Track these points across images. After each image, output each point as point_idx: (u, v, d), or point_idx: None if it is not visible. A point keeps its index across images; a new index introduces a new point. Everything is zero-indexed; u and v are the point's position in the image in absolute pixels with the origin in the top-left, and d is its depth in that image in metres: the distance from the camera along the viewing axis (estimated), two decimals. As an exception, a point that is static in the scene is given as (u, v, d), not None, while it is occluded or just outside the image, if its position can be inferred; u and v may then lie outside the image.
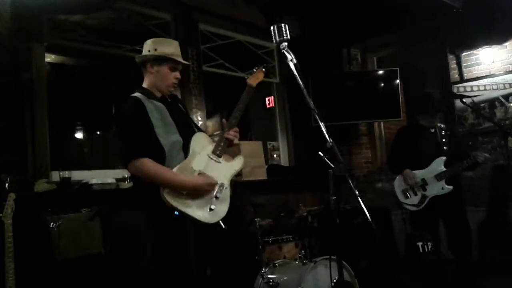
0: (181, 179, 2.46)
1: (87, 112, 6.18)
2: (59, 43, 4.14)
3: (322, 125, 2.09)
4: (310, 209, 4.15)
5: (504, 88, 5.49)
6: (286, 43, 2.21)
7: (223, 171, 2.62)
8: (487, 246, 4.92)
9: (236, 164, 2.72)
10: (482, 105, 5.61)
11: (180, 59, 2.71)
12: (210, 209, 2.47)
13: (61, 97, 4.65)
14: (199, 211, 2.45)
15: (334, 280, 2.82)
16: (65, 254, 3.32)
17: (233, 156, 2.74)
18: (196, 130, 2.75)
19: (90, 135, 6.83)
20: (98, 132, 6.94)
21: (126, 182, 3.99)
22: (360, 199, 1.99)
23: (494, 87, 5.57)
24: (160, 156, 2.50)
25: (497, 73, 5.58)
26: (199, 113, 4.90)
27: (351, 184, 2.06)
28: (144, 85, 2.72)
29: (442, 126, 4.09)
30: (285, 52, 2.22)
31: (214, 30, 5.37)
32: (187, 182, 2.47)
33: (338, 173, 2.08)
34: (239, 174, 3.13)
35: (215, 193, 2.52)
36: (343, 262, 3.10)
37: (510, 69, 5.48)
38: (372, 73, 6.43)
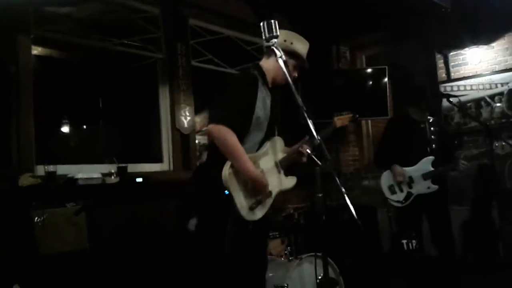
0: (249, 166, 2.48)
1: (73, 106, 6.12)
2: (46, 36, 4.08)
3: (310, 122, 2.10)
4: (296, 206, 4.17)
5: (490, 88, 5.55)
6: (275, 40, 2.21)
7: (278, 182, 2.73)
8: (470, 244, 4.98)
9: (289, 182, 2.84)
10: (468, 104, 5.67)
11: (305, 62, 2.84)
12: (251, 208, 2.51)
13: (48, 90, 4.59)
14: (243, 203, 2.48)
15: (319, 277, 2.84)
16: (49, 249, 3.29)
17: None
18: (276, 131, 2.85)
19: (76, 129, 6.76)
20: (84, 126, 6.87)
21: (113, 177, 3.96)
22: (346, 197, 2.00)
23: (481, 87, 5.62)
24: (241, 134, 2.54)
25: (483, 73, 5.63)
26: (187, 108, 4.88)
27: (338, 181, 2.07)
28: (264, 65, 2.73)
29: (432, 119, 4.10)
30: (274, 48, 2.22)
31: (204, 25, 5.34)
32: (252, 171, 2.48)
33: (325, 170, 2.09)
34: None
35: (260, 196, 2.56)
36: (329, 259, 3.12)
37: (497, 69, 5.54)
38: (361, 71, 6.46)
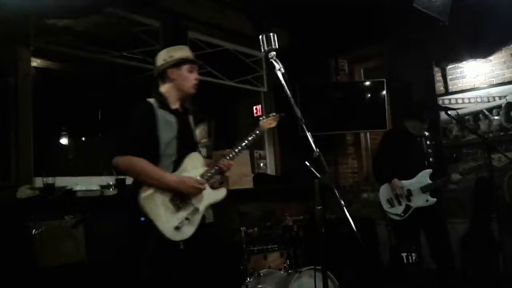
0: (166, 175, 2.56)
1: (72, 118, 6.13)
2: (45, 48, 4.10)
3: (309, 134, 2.10)
4: (296, 219, 4.15)
5: (488, 101, 5.57)
6: (274, 53, 2.22)
7: (204, 196, 2.70)
8: (470, 257, 4.96)
9: (219, 194, 2.82)
10: (466, 117, 5.68)
11: (195, 60, 2.87)
12: (177, 227, 2.52)
13: (47, 102, 4.60)
14: (166, 225, 2.50)
15: (319, 290, 2.81)
16: (47, 262, 3.26)
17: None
18: (197, 147, 2.88)
19: (75, 141, 6.76)
20: (83, 138, 6.87)
21: (111, 189, 3.95)
22: (345, 209, 1.99)
23: (479, 100, 5.64)
24: (153, 159, 2.57)
25: (481, 86, 5.65)
26: (186, 120, 4.88)
27: (337, 194, 2.06)
28: (163, 91, 2.81)
29: (428, 134, 4.13)
30: (273, 61, 2.23)
31: (203, 38, 5.37)
32: (170, 177, 2.56)
33: (324, 183, 2.08)
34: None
35: (186, 214, 2.58)
36: (328, 272, 3.09)
37: (494, 83, 5.56)
38: (359, 84, 6.49)
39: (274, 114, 3.15)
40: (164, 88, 2.82)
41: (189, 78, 2.81)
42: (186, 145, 2.75)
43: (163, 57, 2.83)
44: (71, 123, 6.33)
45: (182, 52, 2.86)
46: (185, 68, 2.81)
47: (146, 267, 2.51)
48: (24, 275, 3.14)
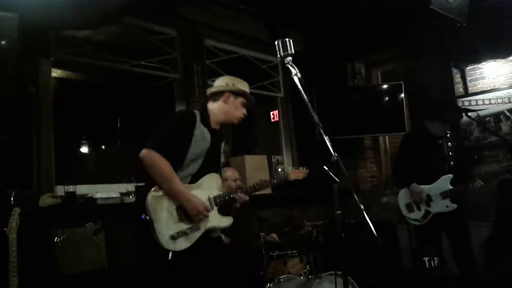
0: (180, 186, 2.58)
1: (92, 127, 6.21)
2: (65, 58, 4.18)
3: (326, 139, 2.09)
4: (315, 224, 4.13)
5: (509, 102, 5.47)
6: (290, 58, 2.22)
7: (210, 218, 2.70)
8: (493, 261, 4.86)
9: (224, 222, 2.82)
10: (487, 119, 5.59)
11: (252, 98, 2.99)
12: (173, 237, 2.52)
13: (67, 111, 4.68)
14: (163, 230, 2.50)
15: (340, 296, 2.79)
16: (69, 269, 3.31)
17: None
18: (220, 171, 2.91)
19: (95, 149, 6.85)
20: (103, 147, 6.96)
21: (131, 196, 3.99)
22: (365, 214, 1.97)
23: (499, 101, 5.55)
24: (174, 164, 2.60)
25: (501, 87, 5.56)
26: (204, 127, 4.91)
27: (356, 198, 2.04)
28: (210, 108, 2.89)
29: (450, 135, 4.04)
30: (289, 66, 2.23)
31: (219, 45, 5.41)
32: (183, 190, 2.58)
33: (343, 187, 2.07)
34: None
35: (186, 227, 2.58)
36: (349, 277, 3.07)
37: (515, 83, 5.47)
38: (377, 87, 6.44)
39: (304, 168, 3.23)
40: (212, 107, 2.89)
41: (240, 110, 2.91)
42: (211, 164, 2.78)
43: (226, 81, 2.95)
44: (91, 132, 6.42)
45: (245, 87, 2.98)
46: (240, 100, 2.91)
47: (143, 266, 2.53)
48: (47, 282, 3.19)
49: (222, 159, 3.00)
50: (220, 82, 2.96)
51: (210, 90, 2.95)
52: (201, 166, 2.70)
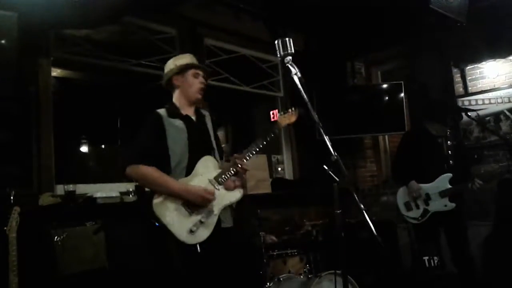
0: (173, 184, 2.59)
1: (92, 126, 6.21)
2: (65, 58, 4.17)
3: (326, 138, 2.09)
4: (315, 223, 4.13)
5: (509, 102, 5.47)
6: (290, 57, 2.22)
7: (219, 199, 2.70)
8: (492, 260, 4.86)
9: (233, 196, 2.80)
10: (487, 118, 5.59)
11: (198, 64, 2.91)
12: (191, 231, 2.54)
13: (67, 110, 4.67)
14: (179, 229, 2.53)
15: (340, 295, 2.79)
16: (69, 268, 3.30)
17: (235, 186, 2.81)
18: (214, 151, 2.85)
19: (95, 148, 6.85)
20: (103, 146, 6.96)
21: (131, 195, 3.99)
22: (365, 213, 1.97)
23: (499, 100, 5.55)
24: (165, 171, 2.63)
25: (501, 86, 5.56)
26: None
27: (356, 197, 2.05)
28: (173, 100, 2.88)
29: (449, 134, 4.04)
30: (289, 66, 2.23)
31: (219, 44, 5.40)
32: (177, 186, 2.59)
33: (343, 186, 2.07)
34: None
35: (200, 217, 2.59)
36: (349, 276, 3.07)
37: (515, 83, 5.47)
38: (377, 87, 6.44)
39: (292, 109, 3.07)
40: (174, 97, 2.90)
41: (194, 83, 2.86)
42: (199, 149, 2.76)
43: (169, 67, 2.91)
44: (91, 131, 6.41)
45: (185, 59, 2.91)
46: (189, 74, 2.86)
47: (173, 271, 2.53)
48: (46, 281, 3.19)
49: (214, 137, 2.94)
50: (165, 71, 2.93)
51: (162, 84, 2.95)
52: (191, 156, 2.70)
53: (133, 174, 2.62)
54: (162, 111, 2.79)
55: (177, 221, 2.54)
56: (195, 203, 2.59)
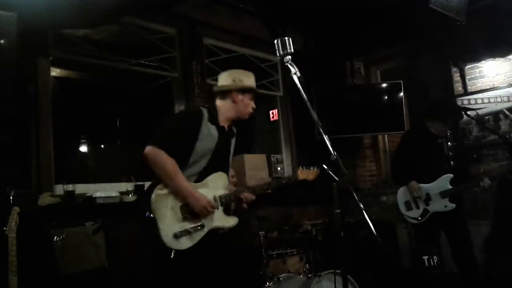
0: (185, 183, 2.58)
1: (91, 126, 6.21)
2: (64, 57, 4.18)
3: (326, 138, 2.09)
4: (314, 223, 4.13)
5: (508, 101, 5.47)
6: (289, 57, 2.22)
7: (214, 218, 2.68)
8: (494, 259, 4.86)
9: (228, 222, 2.78)
10: (486, 117, 5.59)
11: (258, 91, 2.99)
12: (175, 235, 2.51)
13: (66, 110, 4.67)
14: (166, 228, 2.50)
15: (339, 294, 2.79)
16: (68, 268, 3.30)
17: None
18: (229, 169, 2.88)
19: (94, 148, 6.84)
20: (102, 146, 6.96)
21: (130, 195, 3.99)
22: (364, 212, 1.97)
23: (498, 99, 5.55)
24: (179, 162, 2.60)
25: (501, 85, 5.56)
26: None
27: (356, 197, 2.05)
28: (219, 107, 2.88)
29: (450, 135, 4.04)
30: (288, 65, 2.23)
31: (218, 44, 5.40)
32: (187, 187, 2.57)
33: (342, 186, 2.07)
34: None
35: (190, 226, 2.58)
36: (348, 276, 3.07)
37: (514, 82, 5.47)
38: (376, 86, 6.44)
39: (315, 168, 3.08)
40: (221, 104, 2.88)
41: (249, 105, 2.90)
42: (218, 163, 2.76)
43: (233, 77, 2.91)
44: (90, 131, 6.41)
45: (250, 80, 2.96)
46: (248, 95, 2.90)
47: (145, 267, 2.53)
48: (46, 281, 3.19)
49: (231, 157, 2.96)
50: (227, 79, 2.91)
51: (217, 88, 2.93)
52: (208, 164, 2.70)
53: (151, 155, 2.56)
54: (204, 111, 2.78)
55: (168, 219, 2.53)
56: (193, 210, 2.58)
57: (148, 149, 2.56)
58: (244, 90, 2.88)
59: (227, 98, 2.86)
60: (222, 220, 2.74)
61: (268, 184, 2.96)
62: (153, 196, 2.51)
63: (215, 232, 2.70)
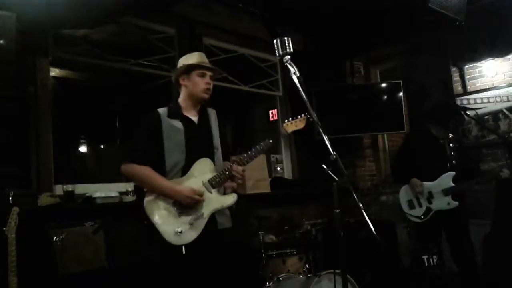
0: (163, 182, 2.61)
1: (91, 126, 6.21)
2: (64, 57, 4.17)
3: (325, 137, 2.09)
4: (314, 222, 4.13)
5: (508, 101, 5.48)
6: (289, 57, 2.22)
7: (210, 202, 2.68)
8: (493, 259, 4.87)
9: (227, 200, 2.76)
10: (486, 117, 5.59)
11: (206, 65, 2.85)
12: (178, 232, 2.53)
13: (66, 110, 4.67)
14: (167, 229, 2.54)
15: (339, 294, 2.79)
16: (68, 268, 3.30)
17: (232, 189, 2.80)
18: (216, 151, 2.82)
19: (94, 148, 6.84)
20: (102, 146, 6.95)
21: (130, 195, 3.99)
22: (364, 212, 1.97)
23: (498, 99, 5.55)
24: (160, 171, 2.65)
25: (500, 85, 5.56)
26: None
27: (355, 197, 2.05)
28: (179, 100, 2.87)
29: (451, 136, 4.06)
30: (288, 65, 2.23)
31: (218, 44, 5.40)
32: (166, 185, 2.60)
33: (342, 186, 2.07)
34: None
35: (189, 218, 2.58)
36: (348, 275, 3.07)
37: (514, 81, 5.47)
38: (375, 86, 6.44)
39: (301, 116, 3.03)
40: (180, 96, 2.88)
41: (199, 83, 2.80)
42: (196, 151, 2.74)
43: (178, 65, 2.89)
44: (90, 131, 6.41)
45: (192, 58, 2.87)
46: (195, 73, 2.81)
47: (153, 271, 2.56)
48: (46, 281, 3.18)
49: (217, 138, 2.88)
50: (174, 74, 2.92)
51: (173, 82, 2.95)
52: (187, 157, 2.69)
53: (125, 172, 2.67)
54: (162, 111, 2.78)
55: (165, 220, 2.56)
56: (183, 203, 2.59)
57: (122, 168, 2.67)
58: (187, 71, 2.81)
59: (180, 87, 2.87)
60: (219, 201, 2.72)
61: (256, 150, 2.79)
62: (144, 204, 2.58)
63: (217, 227, 2.69)
